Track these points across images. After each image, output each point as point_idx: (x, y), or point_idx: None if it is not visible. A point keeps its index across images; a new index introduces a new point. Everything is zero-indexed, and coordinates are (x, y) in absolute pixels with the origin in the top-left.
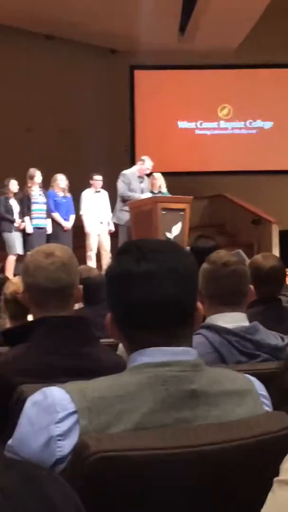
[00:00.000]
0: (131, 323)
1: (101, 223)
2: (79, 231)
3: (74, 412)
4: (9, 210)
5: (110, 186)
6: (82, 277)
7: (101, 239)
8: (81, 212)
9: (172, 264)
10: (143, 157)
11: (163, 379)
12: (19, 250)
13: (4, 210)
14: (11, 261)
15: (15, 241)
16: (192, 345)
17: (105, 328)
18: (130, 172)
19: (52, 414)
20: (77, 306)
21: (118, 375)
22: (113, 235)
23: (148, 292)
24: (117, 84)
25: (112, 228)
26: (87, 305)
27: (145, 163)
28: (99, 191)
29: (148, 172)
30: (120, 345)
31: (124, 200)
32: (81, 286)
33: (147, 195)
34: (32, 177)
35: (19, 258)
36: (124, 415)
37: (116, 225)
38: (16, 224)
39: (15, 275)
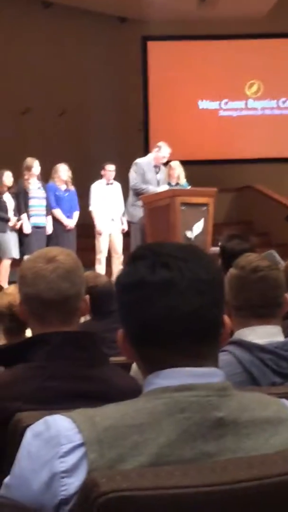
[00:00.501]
0: (146, 341)
1: (113, 220)
2: (84, 230)
3: (81, 445)
4: (2, 207)
5: (121, 177)
6: (88, 285)
7: (112, 239)
8: (90, 208)
9: (194, 271)
10: (159, 143)
11: (183, 406)
12: (15, 253)
13: None
14: (5, 266)
15: (10, 243)
16: (218, 365)
17: (117, 346)
18: (144, 161)
19: (55, 447)
20: (82, 319)
21: (132, 401)
22: (126, 235)
23: (166, 304)
24: (127, 57)
25: (125, 227)
26: (95, 318)
27: (161, 150)
28: (111, 183)
29: (165, 160)
30: (134, 365)
31: (137, 194)
32: (87, 297)
33: (164, 187)
34: (29, 168)
35: (15, 263)
36: (140, 447)
37: (128, 222)
38: (10, 223)
39: (10, 283)
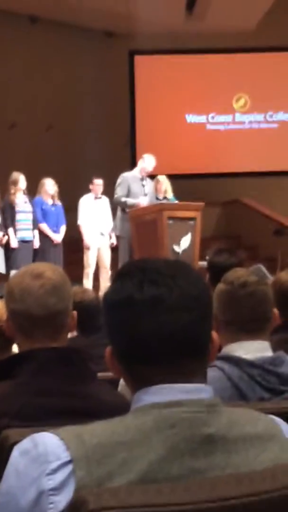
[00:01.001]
0: (134, 358)
1: (102, 234)
2: (72, 244)
3: (69, 462)
4: None
5: (108, 191)
6: (75, 300)
7: (100, 253)
8: (79, 222)
9: (182, 287)
10: (144, 155)
11: (173, 422)
12: (0, 268)
13: None
14: None
15: None
16: (206, 381)
17: (105, 362)
18: (130, 175)
19: (43, 464)
20: (69, 334)
21: (120, 418)
22: (114, 249)
23: (154, 322)
24: (114, 72)
25: (114, 241)
26: (82, 333)
27: (146, 161)
28: (100, 197)
29: (149, 171)
30: (121, 381)
31: (123, 208)
32: (75, 312)
33: (144, 199)
34: (15, 183)
35: (1, 278)
36: (129, 464)
37: (116, 237)
38: None
39: None
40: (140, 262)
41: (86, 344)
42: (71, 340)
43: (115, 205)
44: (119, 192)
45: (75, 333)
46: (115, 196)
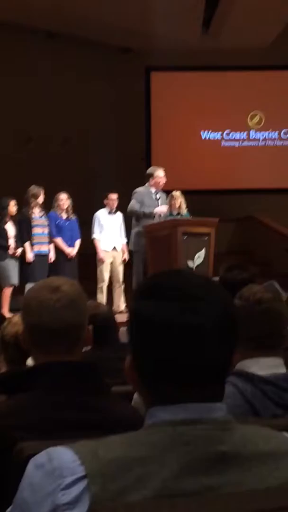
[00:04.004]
0: (157, 377)
1: (115, 249)
2: (86, 259)
3: (83, 477)
4: (2, 234)
5: (123, 206)
6: (89, 314)
7: (113, 268)
8: (93, 236)
9: (219, 318)
10: (149, 170)
11: (187, 440)
12: (14, 280)
13: None
14: (6, 294)
15: (9, 270)
16: (222, 400)
17: (118, 375)
18: (142, 189)
19: (57, 479)
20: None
21: (135, 434)
22: (127, 264)
23: (189, 348)
24: (130, 88)
25: (127, 257)
26: (96, 347)
27: (156, 173)
28: (114, 212)
29: (163, 181)
30: (135, 396)
31: (137, 219)
32: (90, 327)
33: (163, 208)
34: (36, 196)
35: (16, 291)
36: (143, 480)
37: (130, 251)
38: (10, 251)
39: (11, 310)
40: (177, 281)
41: (101, 358)
42: (86, 353)
43: (130, 218)
44: (133, 203)
45: (89, 347)
46: (129, 207)
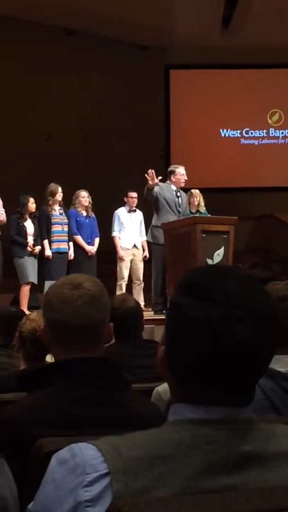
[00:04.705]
0: (192, 375)
1: (135, 247)
2: (105, 256)
3: (106, 474)
4: (21, 232)
5: (141, 204)
6: (115, 307)
7: (133, 266)
8: (113, 234)
9: (263, 330)
10: (170, 168)
11: (210, 439)
12: (32, 278)
13: (15, 232)
14: (24, 291)
15: (28, 267)
16: (250, 405)
17: (139, 372)
18: (163, 185)
19: (80, 475)
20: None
21: (157, 431)
22: (146, 261)
23: (231, 356)
24: (149, 85)
25: (147, 254)
26: (119, 342)
27: (177, 171)
28: (134, 210)
29: (185, 178)
30: (155, 392)
31: (157, 213)
32: (111, 324)
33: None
34: (54, 194)
35: (34, 288)
36: (165, 478)
37: (149, 244)
38: (29, 248)
39: (29, 308)
40: (222, 282)
41: (122, 353)
42: (107, 348)
43: (150, 217)
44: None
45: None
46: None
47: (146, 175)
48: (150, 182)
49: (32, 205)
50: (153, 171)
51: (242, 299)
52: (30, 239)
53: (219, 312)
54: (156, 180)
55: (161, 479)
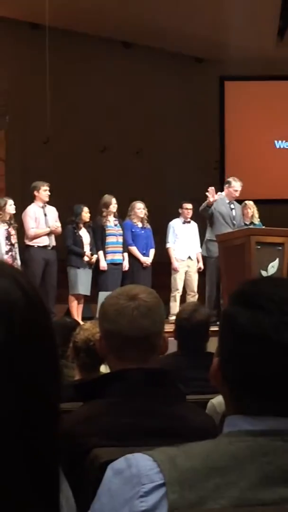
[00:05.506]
0: (243, 387)
1: (190, 258)
2: (159, 268)
3: (162, 485)
4: (78, 242)
5: (196, 216)
6: (184, 317)
7: (187, 277)
8: (168, 245)
9: None
10: (229, 179)
11: (266, 451)
12: (82, 290)
13: (71, 241)
14: (73, 302)
15: (80, 278)
16: None
17: (196, 384)
18: (218, 198)
19: (136, 486)
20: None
21: (213, 442)
22: (201, 273)
23: (280, 367)
24: (204, 97)
25: (202, 265)
26: (181, 352)
27: (232, 184)
28: (188, 222)
29: (237, 194)
30: (209, 405)
31: (211, 226)
32: (167, 335)
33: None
34: (107, 205)
35: (87, 300)
36: (221, 490)
37: (204, 258)
38: (85, 258)
39: (83, 319)
40: (274, 289)
41: (182, 364)
42: (167, 357)
43: (205, 228)
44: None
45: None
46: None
47: (206, 193)
48: (211, 199)
49: (86, 214)
50: (213, 188)
51: None
52: (87, 249)
53: (269, 320)
54: (216, 197)
55: (217, 491)
